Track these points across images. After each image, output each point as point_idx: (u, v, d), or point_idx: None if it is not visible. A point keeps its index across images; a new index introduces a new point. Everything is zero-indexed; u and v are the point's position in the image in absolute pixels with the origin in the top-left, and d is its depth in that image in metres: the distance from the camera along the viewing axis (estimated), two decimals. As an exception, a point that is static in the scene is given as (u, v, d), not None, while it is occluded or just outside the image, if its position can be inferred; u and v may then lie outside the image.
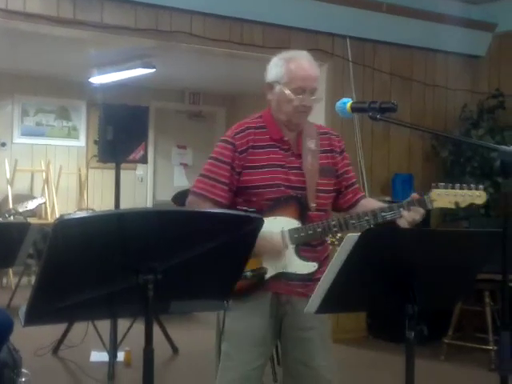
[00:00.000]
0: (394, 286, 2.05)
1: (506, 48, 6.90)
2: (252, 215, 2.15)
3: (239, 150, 2.82)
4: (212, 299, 2.17)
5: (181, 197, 7.75)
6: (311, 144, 2.89)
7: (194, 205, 2.83)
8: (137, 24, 5.47)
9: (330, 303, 2.04)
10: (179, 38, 5.68)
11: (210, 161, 2.87)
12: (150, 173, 10.35)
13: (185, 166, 10.68)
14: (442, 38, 6.71)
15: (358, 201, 3.01)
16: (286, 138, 2.87)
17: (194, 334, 6.42)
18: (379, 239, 2.01)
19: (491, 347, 5.53)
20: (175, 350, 5.80)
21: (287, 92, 2.80)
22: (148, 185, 10.36)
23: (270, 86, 2.87)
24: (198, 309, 2.38)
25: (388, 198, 6.48)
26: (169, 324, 5.79)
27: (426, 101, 6.94)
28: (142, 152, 5.40)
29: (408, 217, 2.69)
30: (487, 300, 5.64)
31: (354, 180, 3.04)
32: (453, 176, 6.60)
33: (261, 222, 2.07)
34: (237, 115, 10.24)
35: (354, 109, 2.64)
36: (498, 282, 4.90)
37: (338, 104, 2.67)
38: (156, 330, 4.78)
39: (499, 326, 5.28)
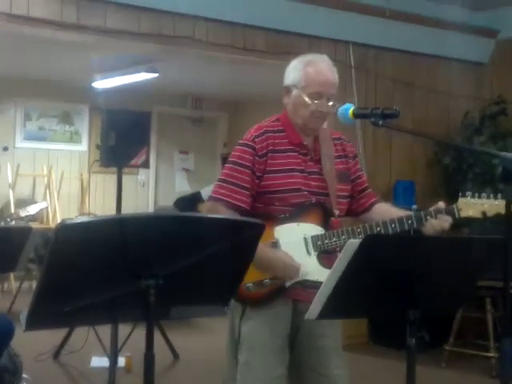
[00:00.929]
0: (395, 292, 2.04)
1: (509, 54, 6.90)
2: (252, 221, 2.14)
3: (260, 153, 2.76)
4: (213, 305, 2.17)
5: (182, 202, 7.77)
6: (327, 149, 2.87)
7: (213, 211, 2.73)
8: (140, 29, 5.48)
9: (332, 309, 2.03)
10: (182, 43, 5.69)
11: (229, 165, 2.80)
12: (152, 178, 10.34)
13: (187, 171, 10.68)
14: (444, 44, 6.70)
15: (372, 205, 2.99)
16: (305, 143, 2.83)
17: (194, 340, 6.41)
18: (381, 245, 2.01)
19: (492, 354, 5.52)
20: (176, 355, 5.78)
21: (304, 97, 2.76)
22: (150, 190, 10.36)
23: (287, 89, 2.83)
24: (198, 314, 2.39)
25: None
26: (170, 330, 5.78)
27: (428, 107, 6.94)
28: (144, 157, 5.40)
29: (436, 225, 2.65)
30: (488, 307, 5.64)
31: (367, 184, 3.02)
32: (454, 183, 6.61)
33: (261, 228, 2.05)
34: (239, 121, 10.25)
35: (356, 115, 2.62)
36: (499, 289, 4.90)
37: (341, 110, 2.66)
38: (157, 335, 4.77)
39: (500, 332, 5.28)
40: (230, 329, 2.86)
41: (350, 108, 2.64)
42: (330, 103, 2.77)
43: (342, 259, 1.95)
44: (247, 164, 2.75)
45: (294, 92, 2.80)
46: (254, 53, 5.85)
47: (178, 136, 10.53)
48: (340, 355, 2.88)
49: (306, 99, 2.75)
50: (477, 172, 6.47)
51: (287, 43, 5.97)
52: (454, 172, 6.67)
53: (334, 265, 1.98)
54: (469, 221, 2.74)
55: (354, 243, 1.93)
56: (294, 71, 2.81)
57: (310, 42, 6.09)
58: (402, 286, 2.04)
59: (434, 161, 6.86)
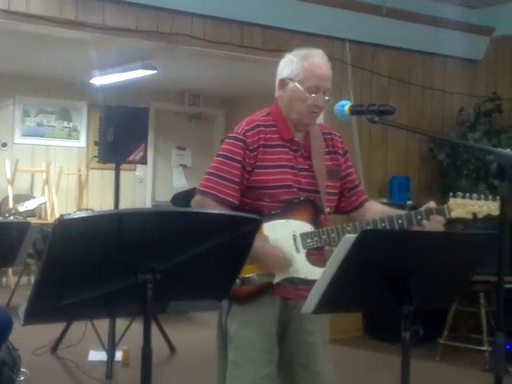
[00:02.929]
0: (390, 287, 2.05)
1: (504, 52, 6.95)
2: (249, 216, 2.13)
3: (251, 148, 2.69)
4: (209, 299, 2.19)
5: (179, 198, 7.80)
6: (318, 145, 2.81)
7: (202, 205, 2.67)
8: (138, 26, 5.51)
9: (327, 303, 2.04)
10: (180, 40, 5.71)
11: (218, 158, 2.72)
12: (150, 174, 10.37)
13: (184, 167, 10.71)
14: (440, 41, 6.75)
15: (362, 203, 2.94)
16: (296, 139, 2.77)
17: (191, 334, 6.45)
18: (376, 240, 2.01)
19: (485, 348, 5.56)
20: (173, 349, 5.82)
21: (302, 90, 2.70)
22: (147, 186, 10.38)
23: (283, 82, 2.77)
24: (195, 308, 2.38)
25: (385, 200, 6.52)
26: (167, 324, 5.81)
27: (423, 104, 6.98)
28: (141, 153, 5.43)
29: (430, 226, 2.61)
30: (482, 301, 5.67)
31: (357, 182, 2.97)
32: (449, 179, 6.65)
33: (258, 223, 2.06)
34: (236, 117, 10.23)
35: (352, 111, 2.58)
36: (492, 284, 4.98)
37: (337, 106, 2.62)
38: (154, 329, 4.80)
39: (494, 327, 5.33)
40: (218, 325, 2.82)
41: (346, 104, 2.60)
42: (326, 98, 2.74)
43: (338, 254, 1.95)
44: (237, 158, 2.69)
45: (291, 85, 2.74)
46: (251, 50, 5.88)
47: (176, 132, 10.55)
48: (327, 351, 2.87)
49: (304, 93, 2.70)
50: (471, 168, 6.51)
51: (284, 40, 6.00)
52: (449, 168, 6.71)
53: (330, 259, 1.98)
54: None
55: (350, 238, 1.93)
56: (291, 64, 2.76)
57: (307, 40, 6.10)
58: (396, 281, 2.05)
59: (428, 157, 6.90)
